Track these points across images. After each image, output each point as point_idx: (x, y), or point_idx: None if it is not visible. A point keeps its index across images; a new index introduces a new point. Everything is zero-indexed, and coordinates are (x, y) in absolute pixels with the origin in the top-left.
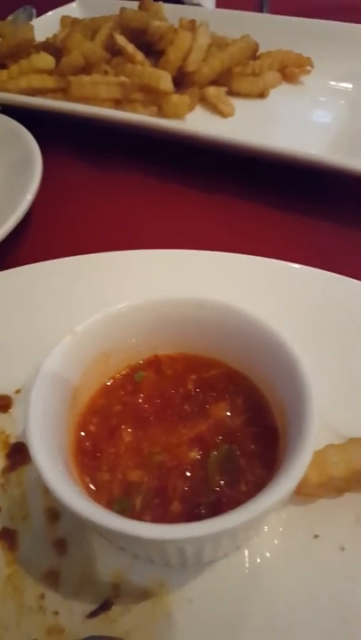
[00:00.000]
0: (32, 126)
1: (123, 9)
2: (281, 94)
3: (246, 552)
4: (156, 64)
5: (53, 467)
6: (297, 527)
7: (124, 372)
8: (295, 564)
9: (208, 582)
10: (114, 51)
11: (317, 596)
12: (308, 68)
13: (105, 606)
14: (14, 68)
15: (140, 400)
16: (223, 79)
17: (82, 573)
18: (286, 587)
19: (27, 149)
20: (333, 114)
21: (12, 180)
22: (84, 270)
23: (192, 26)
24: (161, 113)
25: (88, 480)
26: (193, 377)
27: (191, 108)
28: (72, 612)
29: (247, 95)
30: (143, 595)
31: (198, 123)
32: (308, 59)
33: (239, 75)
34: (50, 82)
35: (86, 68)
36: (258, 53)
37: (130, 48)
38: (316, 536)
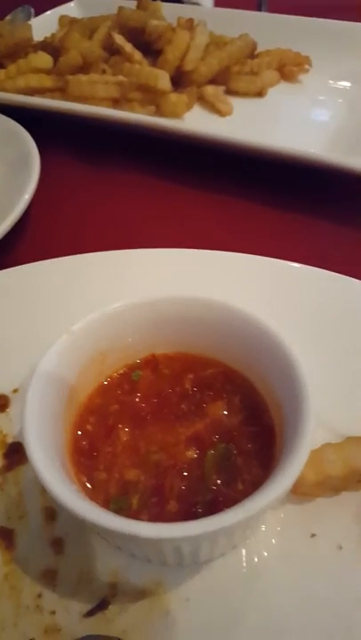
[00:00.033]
0: (30, 126)
1: (121, 8)
2: (279, 93)
3: (243, 551)
4: (154, 63)
5: (50, 466)
6: (294, 526)
7: (121, 372)
8: (292, 563)
9: (205, 581)
10: (112, 50)
11: (315, 594)
12: (307, 66)
13: (102, 605)
14: (12, 68)
15: (137, 399)
16: (221, 78)
17: (79, 573)
18: (284, 585)
19: (25, 149)
20: (332, 112)
21: (10, 180)
22: (83, 269)
23: (190, 25)
24: (159, 112)
25: (85, 479)
26: (190, 376)
27: (189, 107)
28: (69, 612)
29: (245, 94)
30: (140, 594)
31: (196, 122)
32: (307, 57)
33: (237, 74)
34: (48, 81)
35: (84, 68)
36: (256, 52)
37: (128, 47)
38: (313, 535)
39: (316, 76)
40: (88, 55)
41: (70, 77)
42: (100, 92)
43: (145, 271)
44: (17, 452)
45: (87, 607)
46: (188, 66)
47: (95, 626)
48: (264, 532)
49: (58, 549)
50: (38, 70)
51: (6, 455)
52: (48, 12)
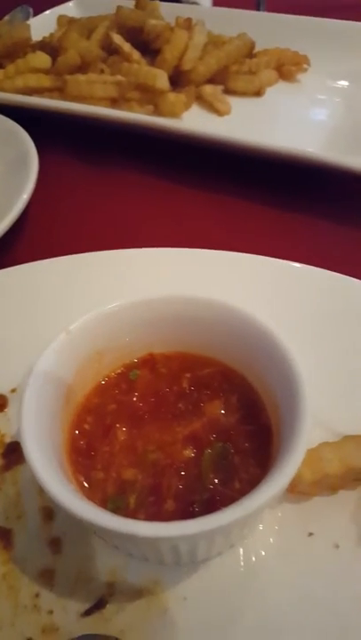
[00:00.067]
0: (28, 125)
1: (119, 8)
2: (277, 92)
3: (241, 550)
4: (152, 63)
5: (47, 466)
6: (292, 525)
7: (119, 371)
8: (290, 562)
9: (203, 580)
10: (110, 49)
11: (312, 593)
12: (305, 66)
13: (99, 605)
14: (11, 68)
15: (135, 399)
16: (219, 77)
17: (76, 572)
18: (281, 584)
19: (23, 149)
20: (330, 111)
21: (9, 180)
22: (82, 269)
23: (188, 24)
24: (157, 112)
25: (82, 479)
26: (188, 375)
27: (187, 107)
28: (67, 611)
29: (243, 93)
30: (138, 593)
31: (195, 121)
32: (305, 57)
33: (235, 73)
34: (46, 81)
35: (83, 67)
36: (254, 51)
37: (126, 47)
38: (310, 534)
39: (315, 76)
40: (86, 55)
41: (68, 77)
42: (98, 91)
43: (144, 271)
44: (15, 452)
45: (85, 606)
46: (187, 65)
47: (93, 625)
48: (262, 531)
49: (55, 549)
50: (37, 70)
51: (4, 455)
52: (47, 12)
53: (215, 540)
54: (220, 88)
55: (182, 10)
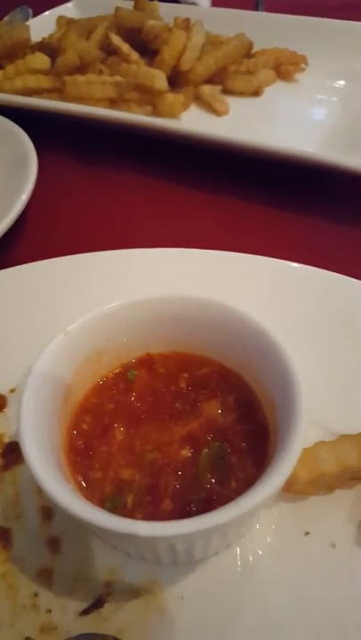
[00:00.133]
0: (28, 126)
1: (118, 8)
2: (276, 92)
3: (238, 549)
4: (151, 63)
5: (46, 466)
6: (288, 524)
7: (117, 371)
8: (286, 561)
9: (200, 580)
10: (109, 50)
11: (309, 592)
12: (303, 65)
13: (97, 604)
14: (10, 69)
15: (133, 398)
16: (218, 78)
17: (75, 571)
18: (278, 584)
19: (22, 149)
20: (328, 111)
21: (8, 180)
22: (81, 269)
23: (187, 25)
24: (156, 112)
25: (80, 478)
26: (185, 375)
27: (186, 107)
28: (65, 610)
29: (242, 93)
30: (136, 592)
31: (193, 121)
32: (303, 56)
33: (234, 73)
34: (45, 82)
35: (81, 68)
36: (253, 51)
37: (125, 47)
38: (307, 533)
39: (313, 75)
40: (85, 56)
41: (67, 78)
42: (97, 92)
43: (143, 271)
44: (14, 452)
45: (83, 606)
46: (185, 66)
47: (91, 624)
48: (258, 530)
49: (54, 548)
50: (36, 71)
51: (3, 455)
52: (46, 13)
53: (212, 539)
54: (218, 88)
55: (181, 10)
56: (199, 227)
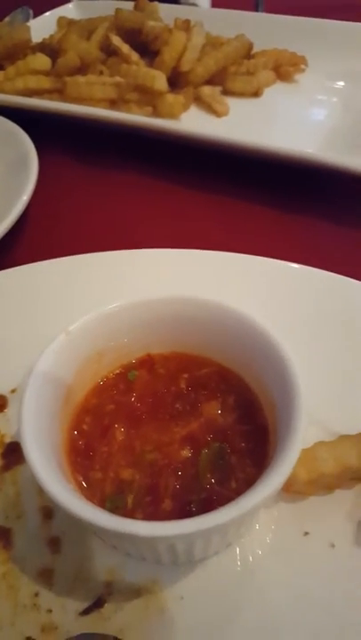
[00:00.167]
0: (28, 127)
1: (118, 9)
2: (275, 93)
3: (238, 549)
4: (151, 64)
5: (47, 466)
6: (288, 524)
7: (117, 371)
8: (286, 561)
9: (200, 580)
10: (109, 51)
11: (308, 592)
12: (303, 66)
13: (98, 604)
14: (11, 69)
15: (133, 399)
16: (218, 78)
17: (75, 571)
18: (277, 583)
19: (23, 150)
20: (327, 112)
21: (9, 181)
22: (81, 270)
23: (187, 26)
24: (156, 113)
25: (81, 478)
26: (185, 376)
27: (186, 108)
28: (66, 610)
29: (241, 94)
30: (136, 592)
31: (193, 122)
32: (303, 57)
33: (234, 74)
34: (46, 82)
35: (82, 69)
36: (252, 52)
37: (125, 48)
38: (306, 533)
39: (312, 76)
40: (86, 56)
41: (68, 78)
42: (97, 93)
43: (143, 271)
44: (14, 452)
45: (83, 605)
46: (185, 66)
47: (91, 624)
48: (258, 530)
49: (55, 548)
50: (37, 72)
51: (4, 455)
52: (47, 14)
53: (212, 539)
54: (218, 89)
55: (181, 11)
56: (199, 227)
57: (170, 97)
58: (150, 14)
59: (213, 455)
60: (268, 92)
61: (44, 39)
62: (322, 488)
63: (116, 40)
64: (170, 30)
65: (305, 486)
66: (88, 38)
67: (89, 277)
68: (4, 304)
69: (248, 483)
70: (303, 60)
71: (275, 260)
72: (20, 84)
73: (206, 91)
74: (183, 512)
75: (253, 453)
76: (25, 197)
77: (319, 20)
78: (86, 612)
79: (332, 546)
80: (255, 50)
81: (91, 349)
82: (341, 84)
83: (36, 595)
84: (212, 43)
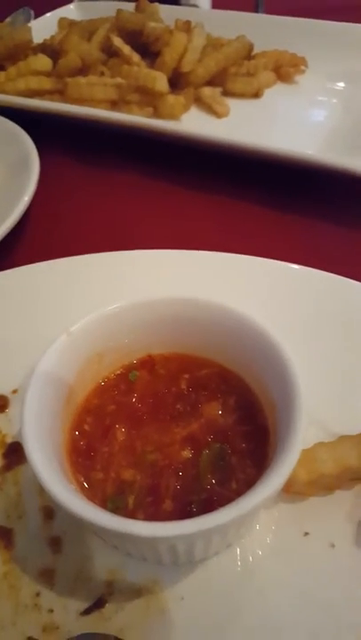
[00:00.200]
0: (29, 128)
1: (119, 10)
2: (276, 94)
3: (238, 550)
4: (151, 65)
5: (48, 466)
6: (288, 525)
7: (118, 372)
8: (286, 562)
9: (200, 580)
10: (110, 52)
11: (308, 592)
12: (303, 67)
13: (99, 604)
14: (12, 70)
15: (134, 399)
16: (218, 79)
17: (76, 571)
18: (277, 584)
19: (24, 151)
20: (328, 113)
21: (10, 182)
22: (82, 271)
23: (187, 27)
24: (157, 114)
25: (82, 479)
26: (186, 376)
27: (186, 109)
28: (67, 610)
29: (242, 95)
30: (137, 592)
31: (194, 123)
32: (303, 58)
33: (234, 75)
34: (47, 83)
35: (83, 70)
36: (253, 53)
37: (126, 49)
38: (306, 533)
39: (313, 77)
40: (87, 57)
41: (69, 79)
42: (98, 93)
43: (143, 272)
44: (16, 452)
45: (84, 605)
46: (186, 67)
47: (92, 624)
48: (258, 530)
49: (56, 548)
50: (38, 72)
51: (6, 455)
52: (48, 15)
53: (212, 539)
54: (218, 90)
55: (181, 12)
56: (199, 227)
57: (170, 98)
58: (151, 15)
59: (214, 456)
60: (269, 93)
61: (45, 40)
62: (322, 489)
63: (117, 41)
64: (171, 31)
65: (305, 487)
66: (89, 39)
67: (89, 278)
68: (6, 305)
69: (248, 483)
70: (303, 61)
71: (275, 261)
72: (21, 84)
73: (207, 92)
74: (184, 512)
75: (254, 454)
76: (26, 198)
77: (319, 21)
78: (87, 611)
79: (332, 546)
80: (255, 51)
81: (92, 350)
82: (342, 85)
83: (38, 595)
84: (213, 44)
